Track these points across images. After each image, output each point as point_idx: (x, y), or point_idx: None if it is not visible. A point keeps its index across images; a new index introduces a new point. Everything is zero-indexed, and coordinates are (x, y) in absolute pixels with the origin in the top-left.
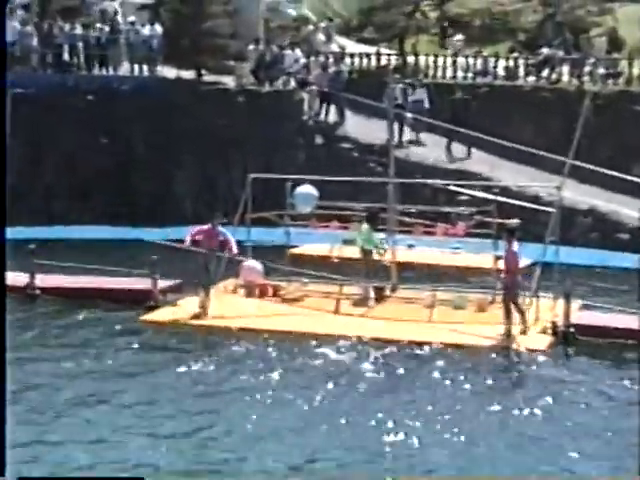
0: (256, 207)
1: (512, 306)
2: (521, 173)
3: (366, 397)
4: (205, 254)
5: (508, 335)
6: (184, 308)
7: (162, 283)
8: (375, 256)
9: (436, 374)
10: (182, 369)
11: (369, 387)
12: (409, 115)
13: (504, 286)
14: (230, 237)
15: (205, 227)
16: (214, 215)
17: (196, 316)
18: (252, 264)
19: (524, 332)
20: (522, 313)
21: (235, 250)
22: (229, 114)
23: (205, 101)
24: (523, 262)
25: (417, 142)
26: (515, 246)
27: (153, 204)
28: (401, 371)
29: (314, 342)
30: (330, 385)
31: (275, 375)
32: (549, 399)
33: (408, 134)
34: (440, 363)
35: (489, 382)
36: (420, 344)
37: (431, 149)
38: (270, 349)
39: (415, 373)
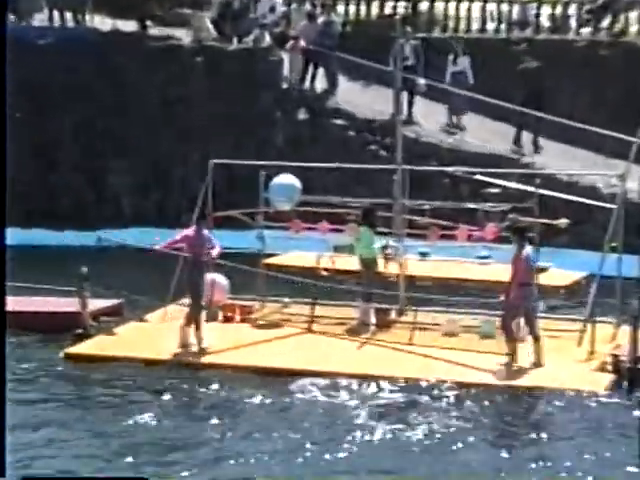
0: (220, 203)
1: (506, 331)
2: (572, 157)
3: (357, 455)
4: (192, 267)
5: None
6: (125, 338)
7: (95, 304)
8: (379, 268)
9: (453, 426)
10: (121, 423)
11: (364, 441)
12: (422, 81)
13: (504, 304)
14: (217, 245)
15: (190, 231)
16: (201, 215)
17: (149, 349)
18: (214, 278)
19: (509, 367)
20: (512, 342)
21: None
22: (183, 80)
23: (151, 62)
24: (575, 275)
25: (459, 128)
26: (527, 250)
27: (83, 201)
28: (408, 421)
29: (294, 380)
30: (316, 438)
31: (240, 422)
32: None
33: (450, 119)
34: (461, 410)
35: (529, 435)
36: (433, 384)
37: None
38: (237, 390)
39: (426, 424)
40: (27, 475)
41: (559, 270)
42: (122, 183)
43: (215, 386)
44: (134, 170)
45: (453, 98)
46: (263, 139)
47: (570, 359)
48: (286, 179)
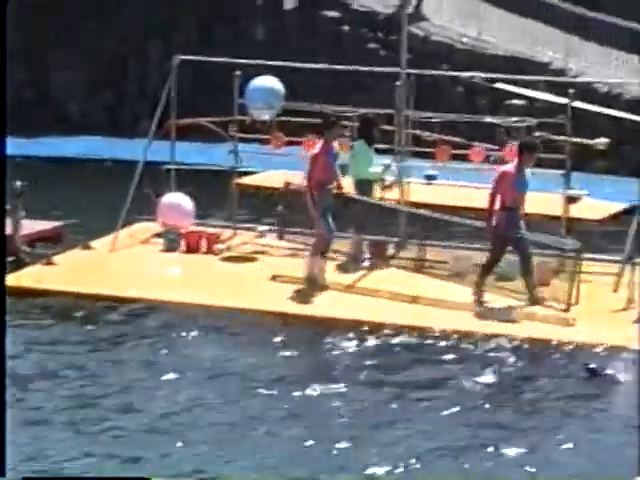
0: (185, 110)
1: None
2: (616, 63)
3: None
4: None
5: None
6: (67, 269)
7: (31, 226)
8: (376, 192)
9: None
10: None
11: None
12: None
13: None
14: None
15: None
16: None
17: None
18: (176, 200)
19: None
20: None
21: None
22: None
23: None
24: (613, 207)
25: None
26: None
27: (20, 106)
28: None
29: (270, 325)
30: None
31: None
32: None
33: None
34: (469, 366)
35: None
36: (440, 335)
37: (466, 21)
38: (203, 332)
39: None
40: (27, 475)
41: (594, 200)
42: (67, 81)
43: (168, 328)
44: (82, 65)
45: None
46: (239, 32)
47: (603, 308)
48: (266, 81)
